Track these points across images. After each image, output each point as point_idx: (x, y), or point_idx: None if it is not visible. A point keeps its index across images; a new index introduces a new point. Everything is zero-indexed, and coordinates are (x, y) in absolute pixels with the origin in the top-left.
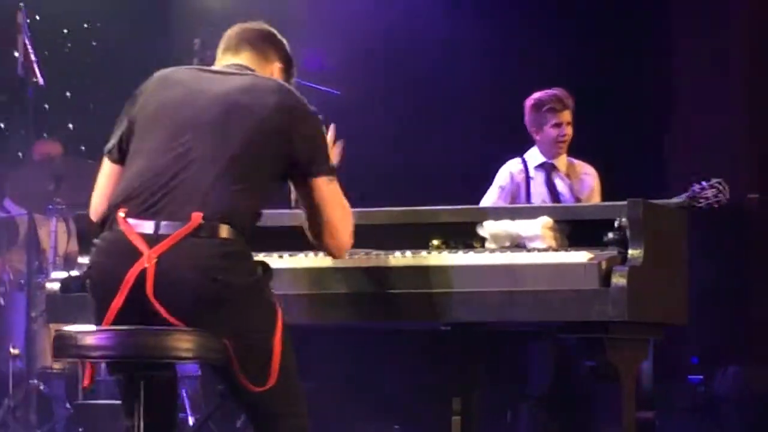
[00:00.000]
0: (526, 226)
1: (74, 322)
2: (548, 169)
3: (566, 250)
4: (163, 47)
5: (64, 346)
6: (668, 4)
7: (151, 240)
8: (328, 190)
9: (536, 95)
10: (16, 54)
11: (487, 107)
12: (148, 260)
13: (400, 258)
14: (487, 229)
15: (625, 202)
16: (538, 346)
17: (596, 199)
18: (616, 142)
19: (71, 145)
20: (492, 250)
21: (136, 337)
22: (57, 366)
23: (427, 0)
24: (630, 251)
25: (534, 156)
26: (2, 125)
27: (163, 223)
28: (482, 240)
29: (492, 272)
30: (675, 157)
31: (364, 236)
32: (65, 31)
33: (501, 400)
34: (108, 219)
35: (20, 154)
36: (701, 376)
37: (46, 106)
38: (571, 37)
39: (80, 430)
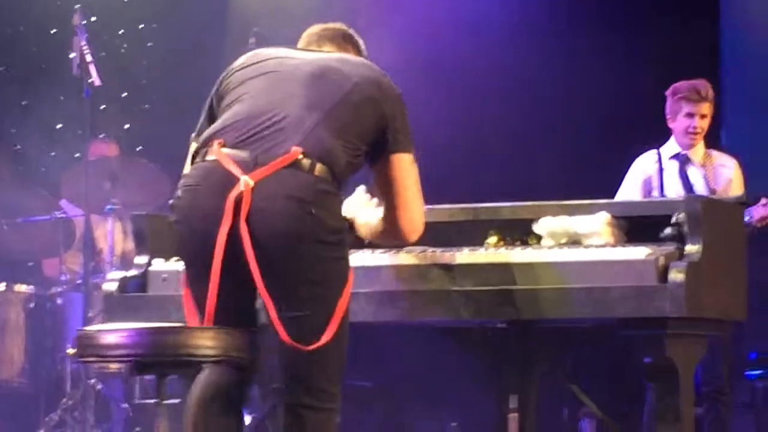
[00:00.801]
0: (583, 222)
1: (132, 322)
2: (682, 160)
3: (624, 246)
4: (217, 47)
5: (84, 346)
6: None
7: (248, 167)
8: (408, 168)
9: (676, 84)
10: (72, 55)
11: (559, 104)
12: (245, 185)
13: (457, 255)
14: (544, 225)
15: (682, 198)
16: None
17: (736, 191)
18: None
19: (127, 145)
20: (549, 247)
21: (156, 336)
22: (114, 366)
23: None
24: (688, 247)
25: (670, 147)
26: (60, 125)
27: (260, 153)
28: (539, 237)
29: (548, 269)
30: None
31: (422, 233)
32: (121, 32)
33: (561, 397)
34: (199, 152)
35: (77, 154)
36: (759, 372)
37: (103, 106)
38: None
39: (137, 429)
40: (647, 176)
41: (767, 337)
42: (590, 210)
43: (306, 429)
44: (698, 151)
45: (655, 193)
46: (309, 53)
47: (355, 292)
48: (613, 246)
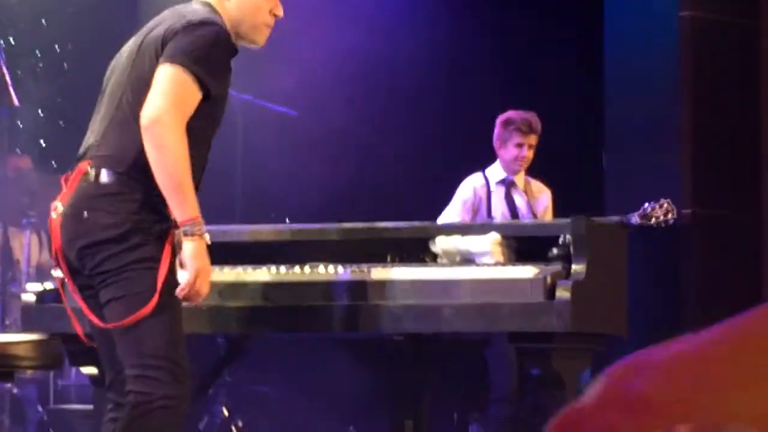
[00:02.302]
0: (475, 242)
1: (49, 331)
2: (508, 185)
3: (514, 265)
4: None
5: None
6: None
7: (62, 191)
8: (171, 77)
9: (508, 113)
10: None
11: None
12: (54, 209)
13: (356, 272)
14: (439, 244)
15: (569, 220)
16: (498, 353)
17: (549, 216)
18: (558, 160)
19: (43, 161)
20: (443, 265)
21: None
22: (30, 371)
23: (381, 20)
24: (573, 266)
25: (495, 171)
26: None
27: (68, 176)
28: (434, 255)
29: (443, 286)
30: (613, 175)
31: (322, 251)
32: (38, 53)
33: (462, 405)
34: None
35: None
36: None
37: (20, 124)
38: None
39: None
40: (476, 198)
41: (641, 347)
42: (482, 230)
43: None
44: (521, 178)
45: (483, 214)
46: (138, 38)
47: (256, 306)
48: (504, 265)
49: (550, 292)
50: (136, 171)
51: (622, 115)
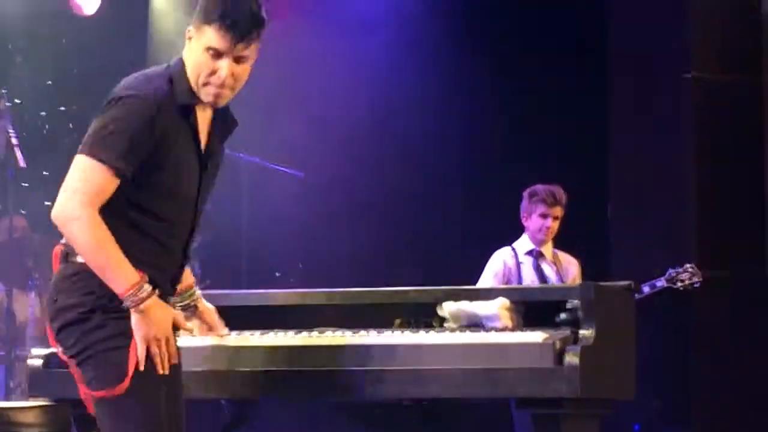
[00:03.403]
0: (484, 306)
1: (55, 396)
2: (536, 255)
3: (522, 330)
4: None
5: None
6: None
7: None
8: (78, 167)
9: (534, 186)
10: None
11: (463, 192)
12: None
13: (364, 336)
14: (447, 309)
15: (577, 285)
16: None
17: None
18: (568, 226)
19: (47, 222)
20: (451, 330)
21: None
22: None
23: (399, 83)
24: (582, 331)
25: (523, 243)
26: None
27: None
28: (442, 320)
29: (451, 351)
30: (621, 241)
31: (329, 315)
32: (43, 113)
33: None
34: None
35: None
36: None
37: (25, 185)
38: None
39: None
40: (506, 269)
41: (649, 410)
42: (489, 295)
43: None
44: (548, 249)
45: (514, 284)
46: None
47: (265, 371)
48: (512, 330)
49: (559, 358)
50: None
51: (629, 180)
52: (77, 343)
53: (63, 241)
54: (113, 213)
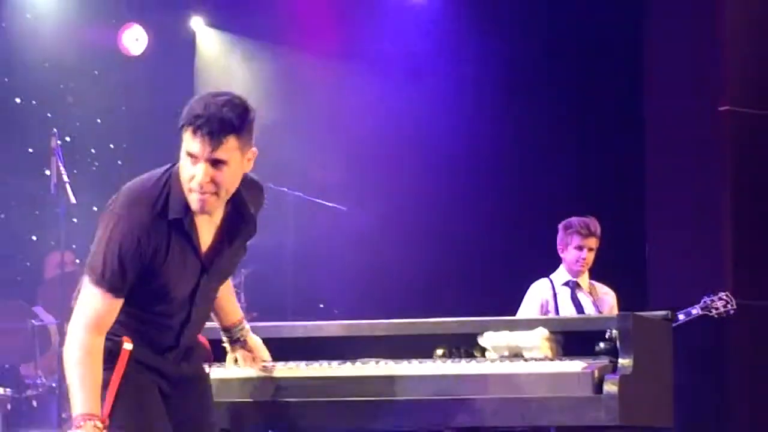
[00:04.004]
0: (524, 336)
1: None
2: (573, 286)
3: (561, 359)
4: None
5: None
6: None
7: None
8: (84, 289)
9: (570, 219)
10: (48, 172)
11: (503, 226)
12: None
13: (407, 366)
14: (488, 339)
15: (615, 315)
16: None
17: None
18: (603, 255)
19: None
20: (492, 360)
21: None
22: None
23: (441, 107)
24: (620, 360)
25: (560, 275)
26: (35, 237)
27: None
28: (483, 349)
29: (493, 380)
30: (658, 271)
31: (374, 345)
32: (93, 150)
33: None
34: None
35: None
36: None
37: (75, 220)
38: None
39: None
40: (543, 300)
41: None
42: (529, 325)
43: None
44: (585, 280)
45: (552, 314)
46: None
47: (312, 401)
48: (552, 359)
49: (598, 386)
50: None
51: (667, 212)
52: None
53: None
54: None
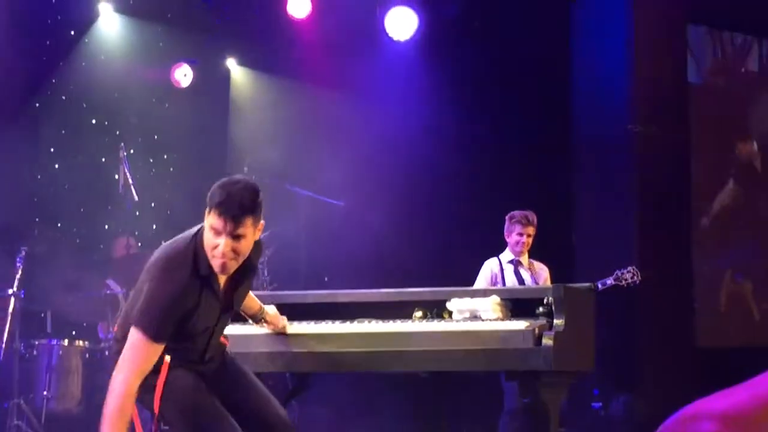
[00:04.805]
0: (481, 302)
1: None
2: (515, 263)
3: (509, 320)
4: (218, 169)
5: None
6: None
7: None
8: (132, 340)
9: (513, 212)
10: (117, 177)
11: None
12: None
13: (393, 325)
14: (454, 304)
15: (551, 286)
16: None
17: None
18: (542, 240)
19: (154, 241)
20: (457, 320)
21: None
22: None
23: (418, 124)
24: (555, 321)
25: (506, 255)
26: (107, 226)
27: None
28: (450, 312)
29: (458, 336)
30: (581, 252)
31: (367, 309)
32: (151, 160)
33: (469, 423)
34: None
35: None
36: (600, 403)
37: (138, 213)
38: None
39: None
40: (493, 274)
41: (606, 378)
42: (485, 294)
43: None
44: (525, 259)
45: (499, 285)
46: None
47: (319, 351)
48: (502, 320)
49: (538, 340)
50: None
51: (589, 206)
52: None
53: (120, 318)
54: None
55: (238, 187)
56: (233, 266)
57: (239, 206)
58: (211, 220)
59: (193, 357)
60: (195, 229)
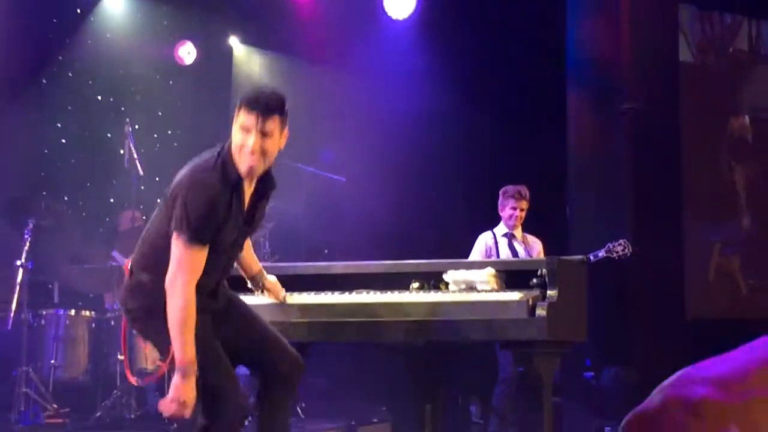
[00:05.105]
0: (476, 274)
1: None
2: (509, 237)
3: (504, 291)
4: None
5: None
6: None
7: None
8: (176, 245)
9: (506, 186)
10: (123, 152)
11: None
12: None
13: (390, 296)
14: (450, 276)
15: (545, 258)
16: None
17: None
18: (536, 214)
19: None
20: (454, 291)
21: None
22: (150, 367)
23: (418, 102)
24: (548, 292)
25: (500, 228)
26: (112, 200)
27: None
28: (447, 284)
29: (454, 306)
30: (575, 227)
31: (365, 281)
32: (155, 135)
33: (464, 392)
34: None
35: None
36: (592, 373)
37: (142, 187)
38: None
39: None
40: (488, 247)
41: (598, 349)
42: (481, 266)
43: None
44: (519, 232)
45: (494, 258)
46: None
47: (319, 321)
48: (497, 291)
49: (532, 311)
50: (152, 271)
51: (583, 182)
52: (141, 332)
53: (131, 257)
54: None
55: (268, 89)
56: (260, 168)
57: (269, 102)
58: (240, 119)
59: (210, 284)
60: (218, 146)
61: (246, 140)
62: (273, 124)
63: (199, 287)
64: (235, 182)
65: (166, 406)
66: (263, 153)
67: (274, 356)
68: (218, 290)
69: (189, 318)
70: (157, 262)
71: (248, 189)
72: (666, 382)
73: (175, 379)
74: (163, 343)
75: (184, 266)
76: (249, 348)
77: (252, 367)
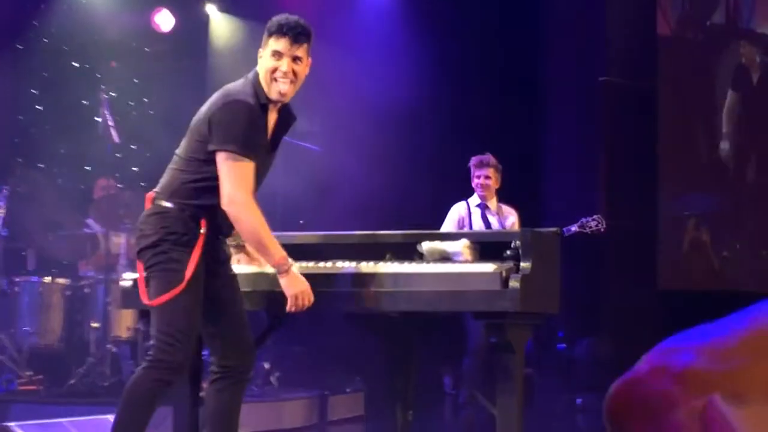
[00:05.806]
0: (451, 245)
1: (140, 308)
2: (483, 207)
3: (478, 263)
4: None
5: None
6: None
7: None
8: (222, 160)
9: (474, 156)
10: (98, 119)
11: (435, 162)
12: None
13: (365, 266)
14: (424, 247)
15: (518, 230)
16: (474, 321)
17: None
18: (511, 187)
19: (134, 182)
20: (428, 262)
21: None
22: (125, 335)
23: (393, 73)
24: (522, 264)
25: (474, 199)
26: (89, 168)
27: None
28: (421, 255)
29: (428, 277)
30: (549, 200)
31: (341, 251)
32: (131, 103)
33: (437, 362)
34: None
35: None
36: (564, 345)
37: (118, 155)
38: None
39: None
40: (460, 217)
41: (570, 321)
42: (455, 237)
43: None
44: (494, 203)
45: (466, 228)
46: (197, 114)
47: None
48: (471, 262)
49: (505, 283)
50: (175, 199)
51: (557, 153)
52: (148, 261)
53: (155, 189)
54: (197, 180)
55: (295, 17)
56: (291, 92)
57: (299, 28)
58: (272, 45)
59: (225, 222)
60: (243, 78)
61: (279, 64)
62: (303, 50)
63: (217, 225)
64: (265, 105)
65: (291, 305)
66: (294, 77)
67: (227, 347)
68: (222, 244)
69: (261, 226)
70: (180, 188)
71: (272, 117)
72: (651, 351)
73: (282, 281)
74: (170, 274)
75: (237, 181)
76: (211, 326)
77: (207, 342)
